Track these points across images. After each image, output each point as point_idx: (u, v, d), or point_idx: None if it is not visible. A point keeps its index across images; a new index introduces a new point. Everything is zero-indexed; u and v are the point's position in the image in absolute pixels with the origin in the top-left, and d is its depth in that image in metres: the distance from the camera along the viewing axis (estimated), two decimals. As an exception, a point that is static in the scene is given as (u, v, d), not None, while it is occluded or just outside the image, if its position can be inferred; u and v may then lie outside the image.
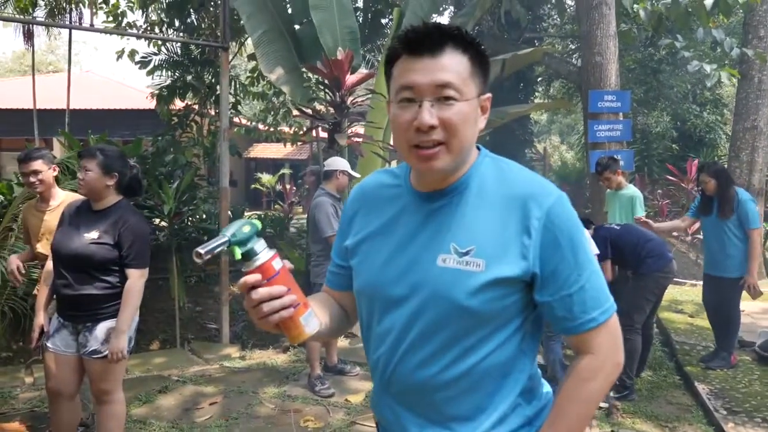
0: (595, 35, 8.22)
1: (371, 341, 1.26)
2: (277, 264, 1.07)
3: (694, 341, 5.60)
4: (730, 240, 4.71)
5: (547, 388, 1.29)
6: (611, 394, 4.19)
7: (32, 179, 3.27)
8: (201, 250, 1.02)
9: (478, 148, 1.23)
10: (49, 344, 2.88)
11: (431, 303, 1.14)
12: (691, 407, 4.20)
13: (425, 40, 1.10)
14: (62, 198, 3.42)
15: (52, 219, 3.32)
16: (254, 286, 1.05)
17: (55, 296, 2.95)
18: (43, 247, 3.37)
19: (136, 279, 2.79)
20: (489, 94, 1.19)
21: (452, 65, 1.10)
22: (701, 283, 5.32)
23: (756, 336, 5.27)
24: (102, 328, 2.76)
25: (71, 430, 2.99)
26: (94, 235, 2.75)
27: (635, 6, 8.49)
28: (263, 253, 1.07)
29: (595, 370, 1.16)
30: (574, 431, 1.15)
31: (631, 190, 5.35)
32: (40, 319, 3.02)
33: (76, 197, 3.38)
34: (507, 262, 1.11)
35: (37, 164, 3.27)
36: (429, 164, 1.12)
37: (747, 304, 7.05)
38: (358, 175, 4.49)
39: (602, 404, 4.04)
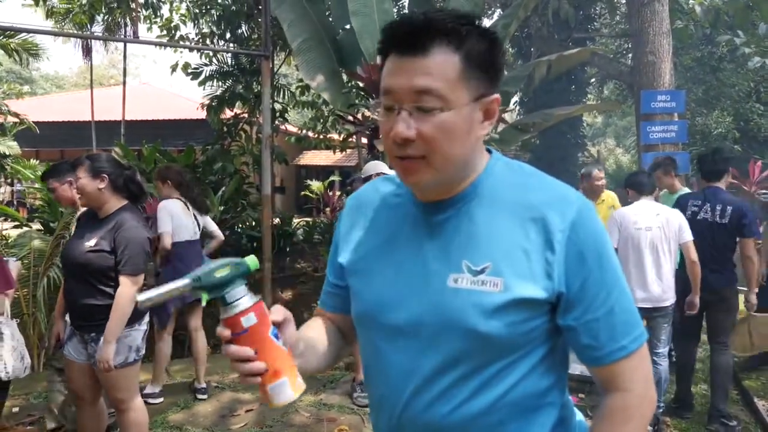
0: (647, 33, 7.92)
1: (374, 377, 1.11)
2: (248, 321, 0.93)
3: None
4: None
5: (579, 416, 1.14)
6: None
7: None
8: (140, 298, 0.92)
9: (489, 151, 1.08)
10: (64, 351, 2.92)
11: (445, 331, 0.99)
12: (749, 425, 3.94)
13: (410, 36, 0.93)
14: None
15: None
16: (228, 340, 0.94)
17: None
18: None
19: (127, 287, 2.69)
20: (496, 96, 1.01)
21: (437, 67, 0.93)
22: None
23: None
24: None
25: None
26: (92, 242, 2.72)
27: (691, 1, 8.15)
28: (237, 303, 0.93)
29: (630, 410, 1.00)
30: None
31: (685, 193, 5.09)
32: (57, 327, 3.03)
33: None
34: (529, 281, 0.96)
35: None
36: (410, 179, 0.99)
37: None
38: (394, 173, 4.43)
39: None
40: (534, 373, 1.01)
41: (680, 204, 4.09)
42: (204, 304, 0.95)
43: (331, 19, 6.71)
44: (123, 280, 2.70)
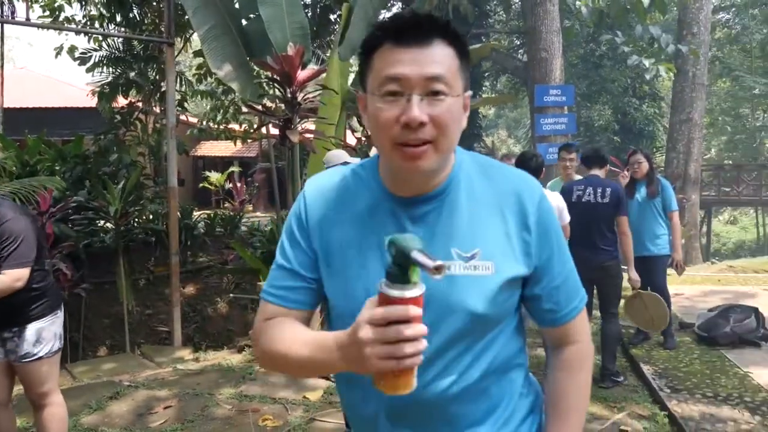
0: (540, 31, 8.43)
1: None
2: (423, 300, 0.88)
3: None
4: (657, 220, 5.00)
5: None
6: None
7: None
8: (442, 263, 0.82)
9: None
10: None
11: (445, 316, 1.05)
12: (637, 387, 4.38)
13: (413, 29, 1.00)
14: None
15: None
16: (406, 320, 0.85)
17: None
18: None
19: (10, 279, 2.52)
20: (470, 92, 1.11)
21: (442, 57, 1.00)
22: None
23: (695, 318, 5.52)
24: (31, 330, 2.68)
25: None
26: None
27: (577, 3, 8.75)
28: (420, 282, 0.86)
29: (583, 358, 1.19)
30: (582, 423, 1.17)
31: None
32: None
33: None
34: (514, 262, 1.08)
35: None
36: (415, 164, 1.01)
37: (686, 288, 7.42)
38: (356, 160, 4.48)
39: None
40: (510, 340, 1.15)
41: (566, 190, 4.49)
42: (415, 279, 0.85)
43: (237, 5, 6.56)
44: (6, 272, 2.52)
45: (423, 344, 0.86)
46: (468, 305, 1.05)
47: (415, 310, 0.85)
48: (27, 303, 2.67)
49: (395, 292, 0.85)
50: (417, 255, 0.83)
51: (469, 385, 1.09)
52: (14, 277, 2.54)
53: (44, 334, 2.71)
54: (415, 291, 0.85)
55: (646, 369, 4.60)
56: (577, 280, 1.18)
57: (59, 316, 2.83)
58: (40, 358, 2.70)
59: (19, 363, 2.69)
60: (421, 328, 0.86)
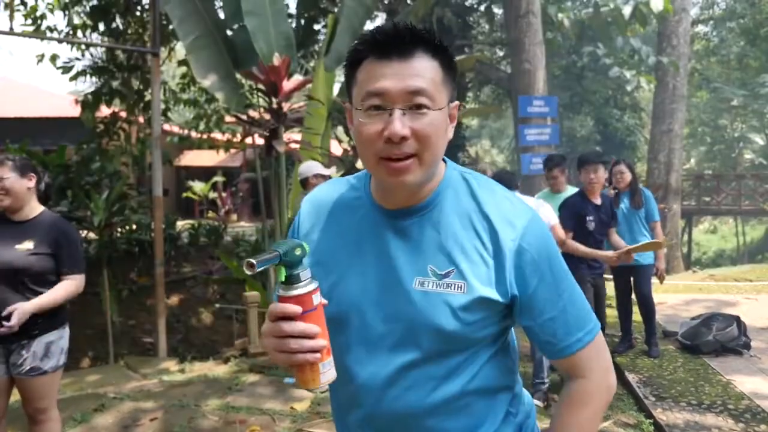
0: (524, 43, 8.54)
1: (344, 375, 1.12)
2: (317, 299, 0.97)
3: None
4: (641, 230, 5.06)
5: (524, 391, 1.26)
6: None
7: None
8: (254, 260, 0.92)
9: (444, 160, 1.15)
10: None
11: (414, 331, 1.06)
12: (622, 396, 4.42)
13: (395, 42, 1.00)
14: None
15: None
16: (288, 317, 0.95)
17: None
18: None
19: (78, 282, 2.73)
20: (458, 102, 1.11)
21: (424, 70, 1.00)
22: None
23: (678, 326, 5.59)
24: (40, 343, 2.65)
25: None
26: (29, 245, 2.61)
27: (560, 15, 8.88)
28: (307, 283, 0.96)
29: (588, 394, 1.11)
30: None
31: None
32: None
33: None
34: (487, 285, 1.05)
35: None
36: (400, 178, 1.02)
37: (669, 297, 7.51)
38: (330, 171, 4.50)
39: (537, 402, 4.13)
40: (492, 361, 1.12)
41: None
42: (282, 279, 0.96)
43: (222, 15, 6.57)
44: (74, 277, 2.71)
45: (309, 342, 0.94)
46: (437, 321, 1.05)
47: (293, 308, 0.94)
48: (40, 314, 2.64)
49: (281, 292, 0.96)
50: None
51: (444, 401, 1.09)
52: (82, 281, 2.74)
53: (53, 348, 2.69)
54: (292, 291, 0.95)
55: (631, 377, 4.65)
56: (583, 311, 1.12)
57: (67, 330, 2.80)
58: (46, 372, 2.66)
59: (24, 377, 2.65)
60: (300, 326, 0.94)
